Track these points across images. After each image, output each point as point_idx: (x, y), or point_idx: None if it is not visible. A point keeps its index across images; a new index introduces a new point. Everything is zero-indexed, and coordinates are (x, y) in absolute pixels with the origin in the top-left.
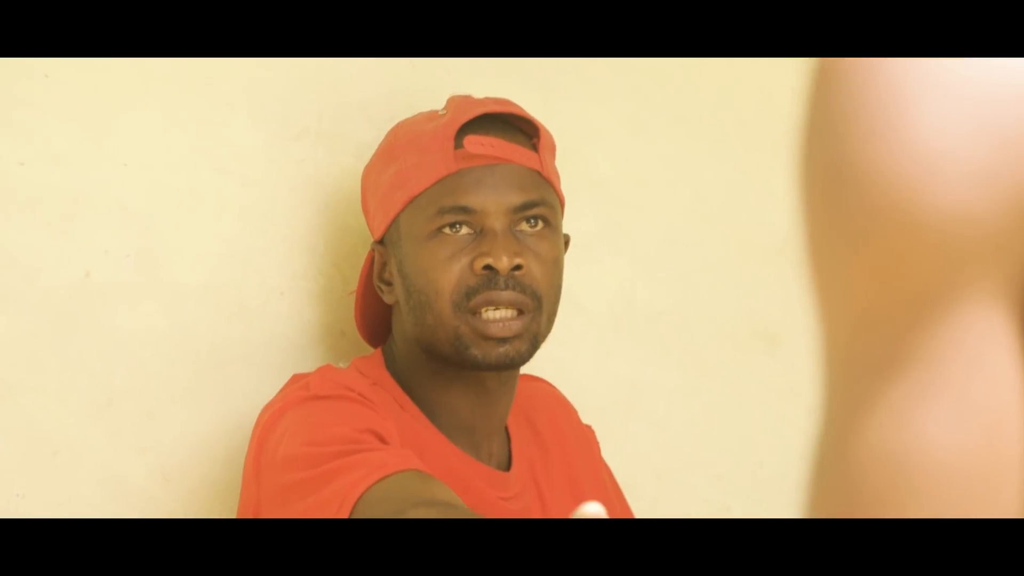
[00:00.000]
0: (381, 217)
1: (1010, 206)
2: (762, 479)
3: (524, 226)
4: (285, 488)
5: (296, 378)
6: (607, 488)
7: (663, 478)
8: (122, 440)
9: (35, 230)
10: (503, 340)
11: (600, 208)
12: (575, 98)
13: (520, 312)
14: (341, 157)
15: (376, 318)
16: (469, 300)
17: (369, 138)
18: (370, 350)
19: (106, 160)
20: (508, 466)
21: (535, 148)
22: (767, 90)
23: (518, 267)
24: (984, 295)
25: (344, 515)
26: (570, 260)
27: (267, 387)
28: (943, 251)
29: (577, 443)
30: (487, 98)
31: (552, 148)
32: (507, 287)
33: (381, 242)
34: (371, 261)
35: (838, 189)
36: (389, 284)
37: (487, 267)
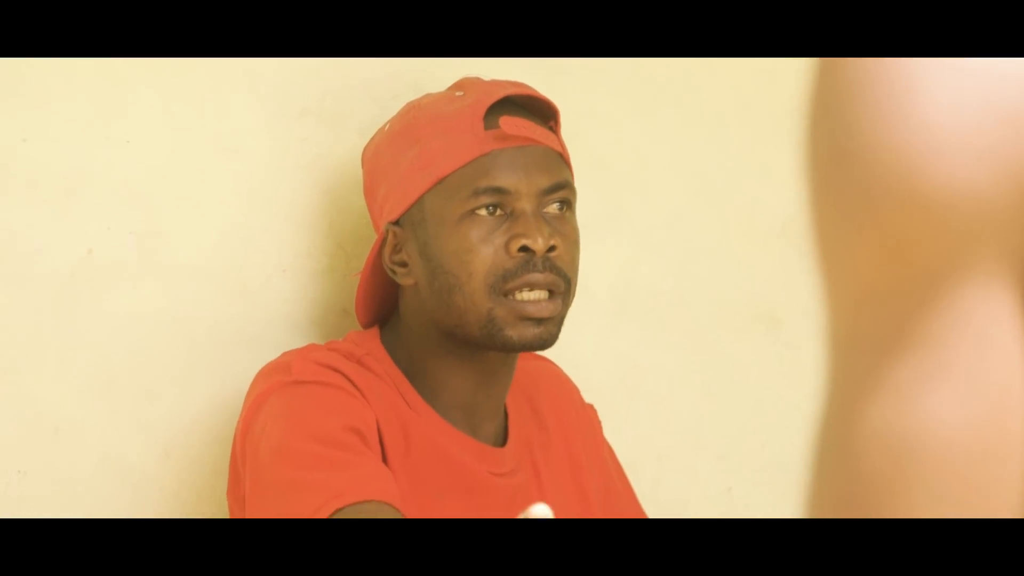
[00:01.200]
0: (399, 198)
1: (1016, 184)
2: (764, 460)
3: (552, 208)
4: (266, 482)
5: (283, 355)
6: (608, 468)
7: (664, 459)
8: (123, 418)
9: (37, 207)
10: (539, 321)
11: (602, 189)
12: (578, 78)
13: (552, 293)
14: (344, 136)
15: (380, 300)
16: (506, 283)
17: (372, 117)
18: None
19: (109, 138)
20: (504, 444)
21: (554, 130)
22: (769, 71)
23: (552, 248)
24: (989, 274)
25: None
26: None
27: None
28: (948, 229)
29: (579, 423)
30: (501, 80)
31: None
32: (544, 269)
33: (397, 223)
34: (381, 243)
35: (843, 167)
36: (404, 266)
37: (523, 248)
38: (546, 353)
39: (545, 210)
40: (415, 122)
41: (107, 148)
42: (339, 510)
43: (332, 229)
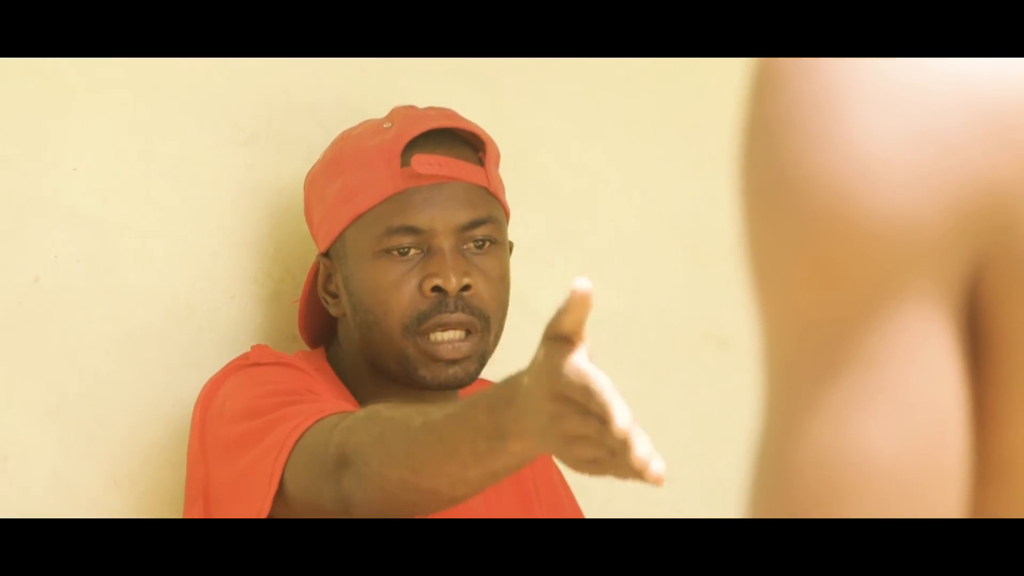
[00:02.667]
0: (327, 230)
1: (947, 210)
2: (713, 482)
3: (471, 245)
4: (231, 442)
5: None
6: (558, 490)
7: (614, 481)
8: (72, 446)
9: None
10: (452, 362)
11: (549, 211)
12: (524, 100)
13: (468, 333)
14: (291, 161)
15: (320, 325)
16: (420, 324)
17: (319, 142)
18: None
19: (55, 165)
20: None
21: (481, 162)
22: (717, 92)
23: (466, 287)
24: (922, 298)
25: (281, 462)
26: (520, 263)
27: None
28: (881, 255)
29: None
30: (431, 109)
31: (497, 159)
32: (456, 309)
33: (327, 255)
34: (316, 270)
35: (776, 193)
36: (335, 296)
37: (436, 288)
38: (495, 377)
39: (466, 247)
40: (341, 154)
41: (53, 175)
42: (309, 428)
43: (279, 254)
